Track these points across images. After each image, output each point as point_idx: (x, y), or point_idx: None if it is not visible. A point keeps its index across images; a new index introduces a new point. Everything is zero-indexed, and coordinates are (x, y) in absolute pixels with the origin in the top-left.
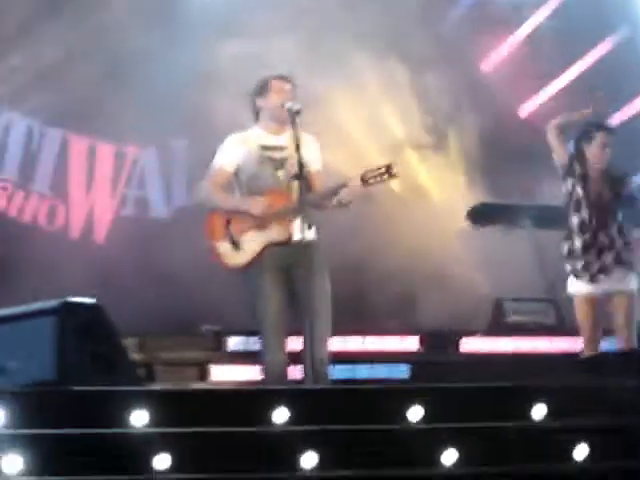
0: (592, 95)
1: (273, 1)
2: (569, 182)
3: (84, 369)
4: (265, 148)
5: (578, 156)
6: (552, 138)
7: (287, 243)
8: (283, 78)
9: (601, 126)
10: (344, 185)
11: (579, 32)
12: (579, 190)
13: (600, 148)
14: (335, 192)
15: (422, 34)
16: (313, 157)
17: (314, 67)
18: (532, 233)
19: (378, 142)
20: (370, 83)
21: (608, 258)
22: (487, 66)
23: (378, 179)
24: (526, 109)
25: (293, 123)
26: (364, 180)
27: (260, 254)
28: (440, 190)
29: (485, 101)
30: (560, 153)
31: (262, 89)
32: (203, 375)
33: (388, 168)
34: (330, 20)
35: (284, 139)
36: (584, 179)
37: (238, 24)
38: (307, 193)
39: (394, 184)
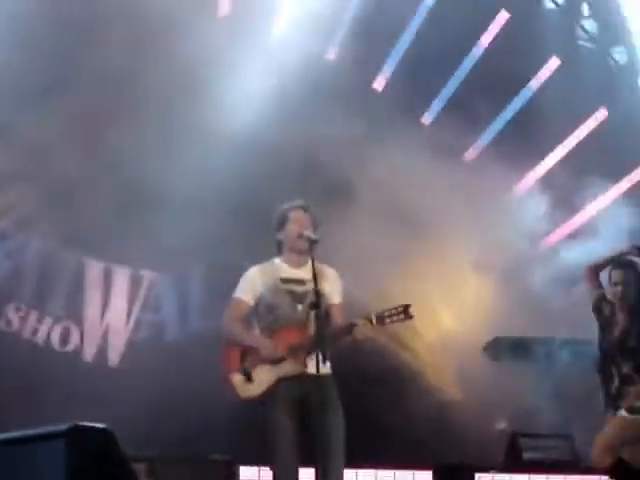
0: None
1: None
2: (599, 318)
3: None
4: (286, 281)
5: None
6: (587, 280)
7: (301, 377)
8: (300, 207)
9: (614, 262)
10: (357, 324)
11: None
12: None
13: (613, 286)
14: (349, 330)
15: None
16: (333, 290)
17: None
18: (549, 367)
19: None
20: None
21: None
22: None
23: (394, 319)
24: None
25: (311, 252)
26: (380, 319)
27: (273, 387)
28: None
29: None
30: (591, 291)
31: (281, 222)
32: None
33: (405, 308)
34: None
35: (305, 272)
36: (610, 323)
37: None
38: (324, 327)
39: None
